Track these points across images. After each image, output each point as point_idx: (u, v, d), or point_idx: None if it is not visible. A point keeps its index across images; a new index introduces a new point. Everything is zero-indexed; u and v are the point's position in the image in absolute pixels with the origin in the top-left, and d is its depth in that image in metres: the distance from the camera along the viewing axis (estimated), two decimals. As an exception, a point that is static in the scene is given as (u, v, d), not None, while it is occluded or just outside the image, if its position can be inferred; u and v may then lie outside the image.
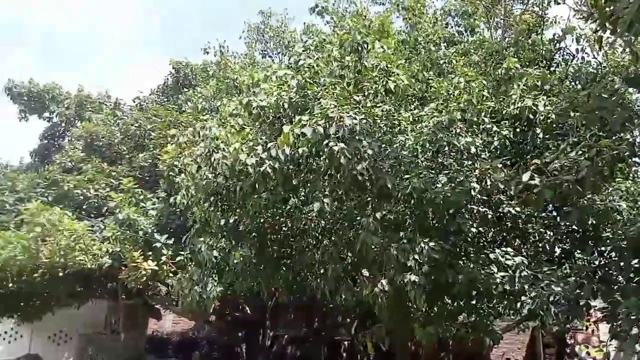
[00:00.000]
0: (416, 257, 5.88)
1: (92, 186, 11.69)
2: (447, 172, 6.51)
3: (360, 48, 5.98)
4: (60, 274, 10.61)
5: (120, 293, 13.15)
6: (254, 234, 8.43)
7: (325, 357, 16.05)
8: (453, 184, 6.19)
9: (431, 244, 5.99)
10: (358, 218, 6.87)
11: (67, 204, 11.32)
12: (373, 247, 6.30)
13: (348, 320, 14.59)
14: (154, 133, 12.07)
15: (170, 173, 9.63)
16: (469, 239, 7.37)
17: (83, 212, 11.40)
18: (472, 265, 6.60)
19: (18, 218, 12.05)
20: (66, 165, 12.88)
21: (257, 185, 6.91)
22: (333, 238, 7.77)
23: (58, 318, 14.41)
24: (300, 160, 6.01)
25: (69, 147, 13.50)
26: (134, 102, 15.34)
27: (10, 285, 11.34)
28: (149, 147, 12.13)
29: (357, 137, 5.53)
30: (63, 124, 15.58)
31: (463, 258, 7.20)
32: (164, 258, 10.06)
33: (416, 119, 7.18)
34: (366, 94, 6.41)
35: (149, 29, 67.70)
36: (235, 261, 7.91)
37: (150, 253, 10.18)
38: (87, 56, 64.67)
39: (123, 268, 10.39)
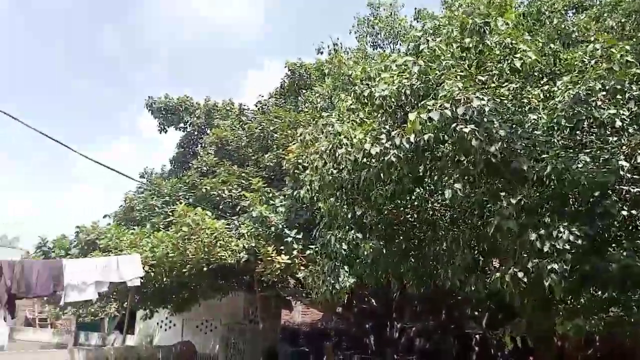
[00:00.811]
0: (555, 243, 5.46)
1: (225, 187, 12.65)
2: (588, 150, 5.93)
3: (481, 28, 5.69)
4: (205, 268, 11.67)
5: (256, 286, 14.07)
6: (380, 225, 8.51)
7: (456, 351, 15.60)
8: (597, 163, 5.62)
9: (572, 229, 5.52)
10: (489, 205, 6.58)
11: (206, 204, 12.36)
12: (507, 233, 6.00)
13: (477, 312, 14.03)
14: (276, 134, 12.74)
15: (296, 171, 10.06)
16: (619, 223, 6.65)
17: (219, 212, 12.37)
18: (624, 252, 5.95)
19: (166, 220, 13.54)
20: (202, 169, 14.12)
21: (381, 176, 6.97)
22: (462, 227, 7.54)
23: (204, 309, 15.90)
24: (426, 147, 5.91)
25: (203, 153, 14.76)
26: (256, 106, 16.29)
27: (165, 279, 12.80)
28: (273, 147, 12.82)
29: (486, 119, 5.27)
30: (196, 132, 17.10)
31: (613, 244, 6.54)
32: (295, 252, 10.59)
33: (548, 95, 6.65)
34: (491, 74, 6.09)
35: (264, 37, 71.45)
36: (365, 253, 8.05)
37: (282, 247, 10.78)
38: (210, 67, 70.40)
39: (259, 262, 11.14)
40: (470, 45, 6.03)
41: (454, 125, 5.27)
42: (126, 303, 15.25)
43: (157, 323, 17.72)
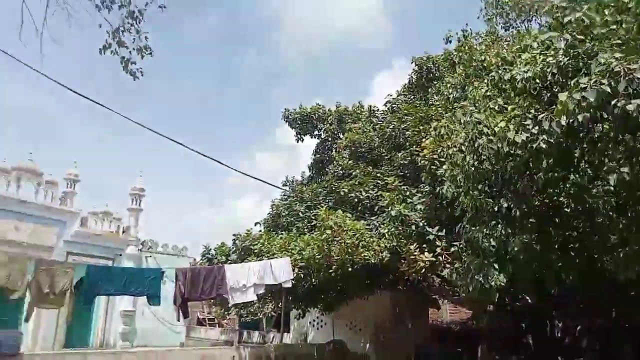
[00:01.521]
0: None
1: (362, 189, 12.85)
2: None
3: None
4: (350, 269, 12.00)
5: (401, 284, 14.03)
6: (531, 218, 7.90)
7: (632, 352, 13.73)
8: None
9: None
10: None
11: (345, 207, 12.69)
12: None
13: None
14: (408, 131, 12.58)
15: (432, 166, 9.81)
16: None
17: (358, 213, 12.60)
18: None
19: (310, 224, 14.21)
20: (338, 173, 14.54)
21: (529, 165, 6.47)
22: (631, 214, 6.64)
23: (352, 308, 16.29)
24: (581, 129, 5.33)
25: (338, 157, 15.19)
26: (385, 106, 16.29)
27: (313, 280, 13.45)
28: (406, 145, 12.68)
29: (654, 90, 4.57)
30: (329, 138, 17.67)
31: None
32: (438, 249, 10.34)
33: None
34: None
35: (390, 37, 71.59)
36: (515, 248, 7.56)
37: (424, 245, 10.61)
38: (340, 74, 72.73)
39: (402, 261, 11.10)
40: (630, 4, 5.24)
41: (614, 102, 4.67)
42: (281, 303, 16.37)
43: (310, 322, 18.59)
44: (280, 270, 12.14)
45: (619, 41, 4.92)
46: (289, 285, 12.26)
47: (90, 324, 18.69)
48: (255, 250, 13.89)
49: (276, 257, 12.75)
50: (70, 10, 5.84)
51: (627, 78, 4.48)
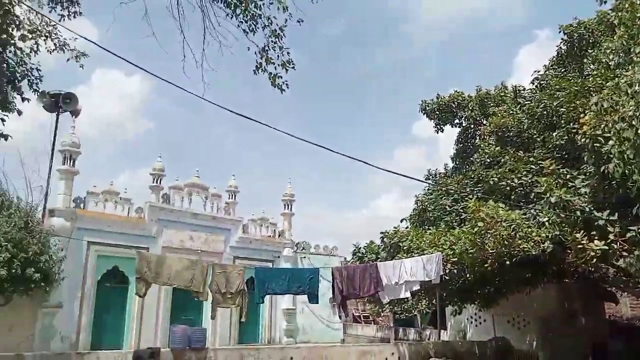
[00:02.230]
0: None
1: (514, 176, 12.02)
2: None
3: None
4: (507, 262, 11.32)
5: (568, 277, 12.83)
6: None
7: None
8: None
9: None
10: None
11: (496, 197, 12.01)
12: None
13: None
14: (562, 108, 11.43)
15: (595, 144, 8.80)
16: None
17: (512, 202, 11.83)
18: None
19: (459, 217, 13.75)
20: (485, 161, 13.78)
21: None
22: None
23: (513, 303, 15.34)
24: None
25: (483, 145, 14.40)
26: (532, 83, 15.02)
27: (467, 275, 12.99)
28: (560, 123, 11.55)
29: None
30: (472, 126, 16.84)
31: None
32: (611, 236, 9.23)
33: None
34: None
35: (527, 9, 66.16)
36: None
37: (593, 233, 9.56)
38: (477, 57, 69.19)
39: (568, 251, 10.15)
40: None
41: None
42: (435, 300, 16.11)
43: (467, 318, 17.98)
44: (432, 266, 11.99)
45: None
46: (438, 281, 12.03)
47: (258, 322, 20.49)
48: (404, 247, 13.89)
49: (426, 253, 12.62)
50: (222, 39, 6.58)
51: None
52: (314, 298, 12.15)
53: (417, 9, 72.69)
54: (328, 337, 20.36)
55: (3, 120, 7.96)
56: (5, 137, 8.17)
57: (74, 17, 8.29)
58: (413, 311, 22.47)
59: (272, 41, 7.13)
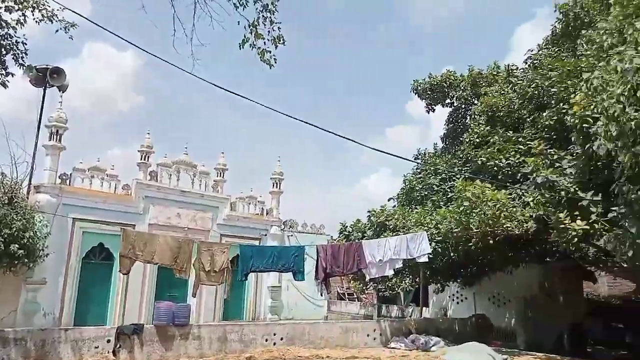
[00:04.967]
0: None
1: (502, 156, 12.08)
2: None
3: None
4: (491, 241, 11.45)
5: (550, 256, 13.03)
6: None
7: None
8: None
9: None
10: None
11: (483, 176, 12.07)
12: None
13: None
14: (553, 88, 11.40)
15: (584, 124, 8.82)
16: None
17: (499, 182, 11.92)
18: None
19: (445, 196, 13.83)
20: (474, 141, 13.80)
21: None
22: None
23: (494, 282, 15.62)
24: None
25: (473, 125, 14.40)
26: (525, 63, 14.96)
27: (452, 254, 13.14)
28: (551, 104, 11.54)
29: None
30: (463, 106, 16.86)
31: None
32: (593, 216, 9.34)
33: None
34: None
35: None
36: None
37: (576, 213, 9.66)
38: (475, 35, 68.71)
39: (550, 231, 10.28)
40: None
41: None
42: (418, 278, 16.30)
43: (449, 296, 18.27)
44: (416, 245, 12.11)
45: None
46: (425, 259, 12.17)
47: (243, 299, 20.55)
48: (391, 226, 13.98)
49: (412, 232, 12.71)
50: (212, 13, 6.36)
51: None
52: (299, 275, 12.20)
53: None
54: (312, 314, 20.51)
55: (-13, 93, 7.69)
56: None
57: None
58: (397, 289, 22.73)
59: (262, 16, 6.94)
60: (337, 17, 77.50)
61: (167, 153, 19.08)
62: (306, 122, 6.82)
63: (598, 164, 9.23)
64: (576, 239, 9.60)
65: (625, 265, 10.54)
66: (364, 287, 23.74)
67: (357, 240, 13.99)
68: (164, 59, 6.52)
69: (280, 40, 7.09)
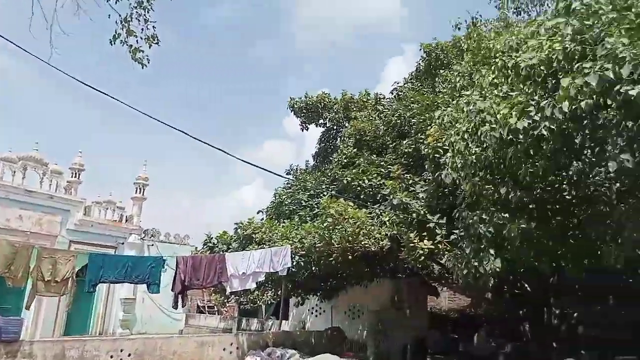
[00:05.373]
0: None
1: (365, 177, 12.89)
2: None
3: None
4: (350, 257, 12.07)
5: (400, 272, 14.14)
6: (531, 205, 7.95)
7: (631, 341, 13.86)
8: None
9: None
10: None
11: (348, 195, 12.74)
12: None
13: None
14: (413, 119, 12.57)
15: (435, 154, 9.85)
16: None
17: (361, 201, 12.67)
18: None
19: (312, 212, 14.25)
20: (342, 161, 14.55)
21: (530, 152, 6.51)
22: (632, 200, 6.71)
23: (351, 296, 16.44)
24: (584, 116, 5.37)
25: (342, 146, 15.20)
26: (392, 93, 16.24)
27: (314, 268, 13.54)
28: (411, 133, 12.68)
29: (660, 75, 4.59)
30: (335, 127, 17.70)
31: None
32: (438, 237, 10.41)
33: None
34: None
35: (401, 23, 71.14)
36: (512, 235, 7.61)
37: (424, 233, 10.68)
38: (353, 62, 72.43)
39: (402, 249, 11.18)
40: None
41: (617, 87, 4.69)
42: (280, 291, 16.48)
43: (308, 309, 18.74)
44: (280, 258, 12.22)
45: (627, 26, 4.92)
46: (285, 272, 12.35)
47: (90, 312, 18.81)
48: (257, 239, 13.97)
49: (277, 246, 12.84)
50: (79, 2, 5.83)
51: (632, 63, 4.49)
52: (154, 287, 11.51)
53: (303, 9, 73.74)
54: (168, 328, 19.51)
55: None
56: None
57: None
58: (258, 302, 22.71)
59: (137, 12, 6.56)
60: (223, 25, 76.40)
61: (12, 147, 16.88)
62: (170, 126, 6.55)
63: (445, 190, 10.36)
64: (423, 257, 10.59)
65: (461, 281, 11.88)
66: (225, 300, 23.29)
67: (221, 252, 13.70)
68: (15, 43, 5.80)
69: (154, 40, 6.77)
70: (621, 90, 4.68)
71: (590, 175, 6.85)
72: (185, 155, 73.82)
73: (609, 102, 5.06)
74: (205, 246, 15.91)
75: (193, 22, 73.99)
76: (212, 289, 18.43)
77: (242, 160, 8.18)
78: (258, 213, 16.20)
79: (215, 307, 27.29)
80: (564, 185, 7.43)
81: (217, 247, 15.16)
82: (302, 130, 18.41)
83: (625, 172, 5.50)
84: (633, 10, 4.96)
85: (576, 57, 5.21)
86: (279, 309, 19.27)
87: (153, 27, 6.73)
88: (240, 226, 14.74)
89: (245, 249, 13.66)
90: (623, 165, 5.26)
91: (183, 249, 20.88)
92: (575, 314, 14.50)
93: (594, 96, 4.99)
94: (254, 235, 14.08)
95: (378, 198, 12.43)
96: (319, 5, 71.40)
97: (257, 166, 8.78)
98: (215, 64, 73.93)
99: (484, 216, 7.99)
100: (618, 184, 6.67)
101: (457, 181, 8.39)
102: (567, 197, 7.66)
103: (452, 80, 10.64)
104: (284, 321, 19.29)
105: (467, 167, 7.44)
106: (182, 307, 14.46)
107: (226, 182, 73.56)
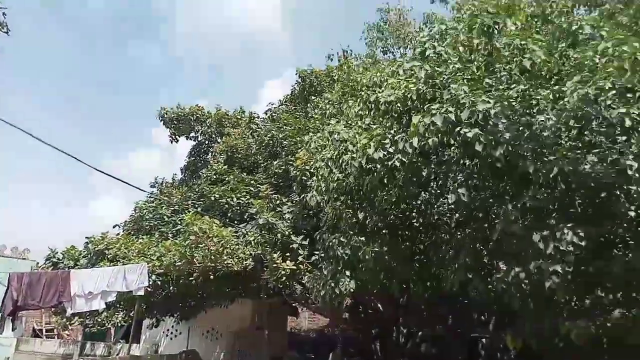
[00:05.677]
0: (559, 244, 5.47)
1: (234, 195, 12.70)
2: (596, 150, 5.88)
3: (490, 29, 5.71)
4: (212, 276, 11.69)
5: (262, 292, 14.08)
6: (384, 230, 8.54)
7: (463, 356, 15.49)
8: (605, 164, 5.61)
9: (577, 230, 5.52)
10: (494, 208, 6.60)
11: (214, 213, 12.42)
12: (512, 237, 6.02)
13: (484, 317, 13.98)
14: (285, 141, 12.80)
15: (303, 177, 10.12)
16: (626, 224, 6.63)
17: (228, 219, 12.43)
18: (630, 254, 5.96)
19: (175, 228, 13.60)
20: (211, 177, 14.14)
21: (385, 181, 7.04)
22: (467, 230, 7.59)
23: (210, 316, 15.87)
24: (430, 151, 5.98)
25: (213, 162, 14.85)
26: (266, 113, 16.36)
27: (172, 288, 12.84)
28: (282, 154, 12.88)
29: (491, 122, 5.32)
30: (206, 142, 17.20)
31: (619, 245, 6.54)
32: (300, 258, 10.63)
33: (557, 96, 6.47)
34: (499, 76, 6.12)
35: (283, 45, 72.28)
36: (366, 257, 8.06)
37: (288, 254, 10.82)
38: (233, 78, 71.42)
39: (265, 269, 11.18)
40: (479, 46, 6.01)
41: (458, 129, 5.33)
42: (133, 312, 15.31)
43: (163, 331, 17.71)
44: (134, 277, 11.39)
45: (469, 76, 5.65)
46: (142, 293, 11.55)
47: None
48: (109, 255, 12.87)
49: (132, 263, 11.96)
50: None
51: (470, 109, 5.16)
52: (-25, 309, 9.94)
53: (185, 16, 71.16)
54: (-6, 356, 16.90)
55: None
56: None
57: None
58: (107, 324, 20.77)
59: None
60: (100, 19, 70.51)
61: None
62: (14, 126, 5.82)
63: (310, 212, 10.68)
64: (285, 277, 10.72)
65: (319, 302, 12.21)
66: (68, 323, 20.92)
67: (66, 269, 12.34)
68: None
69: (3, 28, 6.04)
70: (461, 132, 5.32)
71: (435, 205, 7.60)
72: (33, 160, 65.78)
73: (451, 141, 5.71)
74: (47, 261, 14.18)
75: (58, 12, 67.26)
76: (52, 310, 16.43)
77: (102, 172, 7.40)
78: (114, 227, 14.99)
79: (55, 330, 24.35)
80: (414, 213, 8.13)
81: (63, 262, 13.62)
82: (172, 142, 17.62)
83: (462, 204, 6.20)
84: (475, 63, 5.72)
85: (428, 98, 5.81)
86: (130, 331, 17.87)
87: (3, 14, 6.04)
88: (91, 241, 13.46)
89: (95, 265, 12.49)
90: (460, 198, 5.92)
91: (21, 264, 18.45)
92: (420, 333, 15.79)
93: (439, 135, 5.61)
94: (106, 251, 12.95)
95: (245, 217, 12.33)
96: (203, 18, 70.04)
97: (116, 178, 8.13)
98: (85, 62, 67.83)
99: (342, 239, 8.38)
100: (457, 214, 7.48)
101: (321, 204, 8.73)
102: (415, 224, 8.38)
103: (323, 107, 11.15)
104: (134, 345, 17.89)
105: (330, 191, 7.79)
106: (13, 330, 12.68)
107: (82, 193, 67.12)
